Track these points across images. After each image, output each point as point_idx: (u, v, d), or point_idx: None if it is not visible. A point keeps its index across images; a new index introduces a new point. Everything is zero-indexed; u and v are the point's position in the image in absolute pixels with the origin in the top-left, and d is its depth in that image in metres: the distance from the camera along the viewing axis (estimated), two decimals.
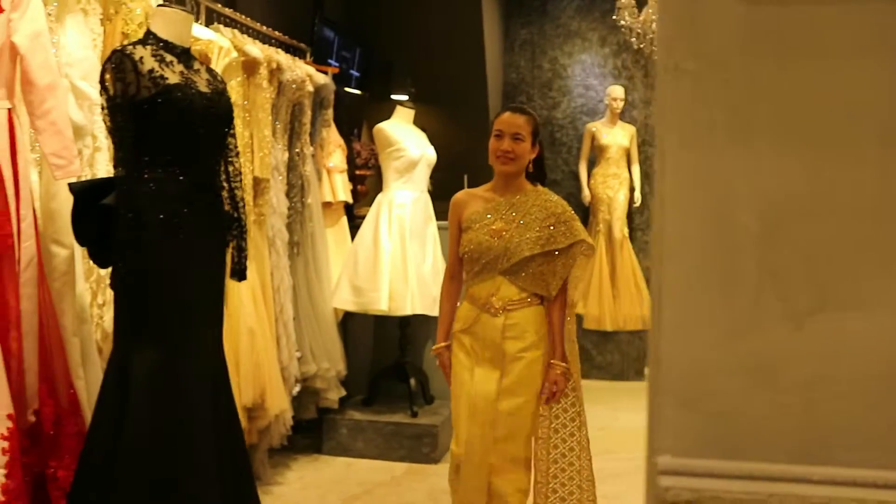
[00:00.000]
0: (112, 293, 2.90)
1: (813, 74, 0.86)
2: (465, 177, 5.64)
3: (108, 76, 2.56)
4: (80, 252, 2.96)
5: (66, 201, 2.87)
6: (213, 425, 2.72)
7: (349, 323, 5.20)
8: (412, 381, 5.00)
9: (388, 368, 5.09)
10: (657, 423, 0.88)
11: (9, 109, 2.74)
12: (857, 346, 0.86)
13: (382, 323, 5.13)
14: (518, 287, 2.84)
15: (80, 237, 2.67)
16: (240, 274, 2.94)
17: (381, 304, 4.64)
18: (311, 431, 4.91)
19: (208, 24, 4.08)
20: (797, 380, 0.88)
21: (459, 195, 2.99)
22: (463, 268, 2.98)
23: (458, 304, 3.02)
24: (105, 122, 2.64)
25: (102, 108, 2.62)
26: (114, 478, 2.52)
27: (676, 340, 0.88)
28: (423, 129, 5.18)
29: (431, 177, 5.08)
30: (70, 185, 2.70)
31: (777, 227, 0.88)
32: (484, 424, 2.82)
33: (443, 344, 3.03)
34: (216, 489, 2.65)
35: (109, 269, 2.76)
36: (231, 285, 3.66)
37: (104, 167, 3.08)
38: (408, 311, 4.71)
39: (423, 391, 5.14)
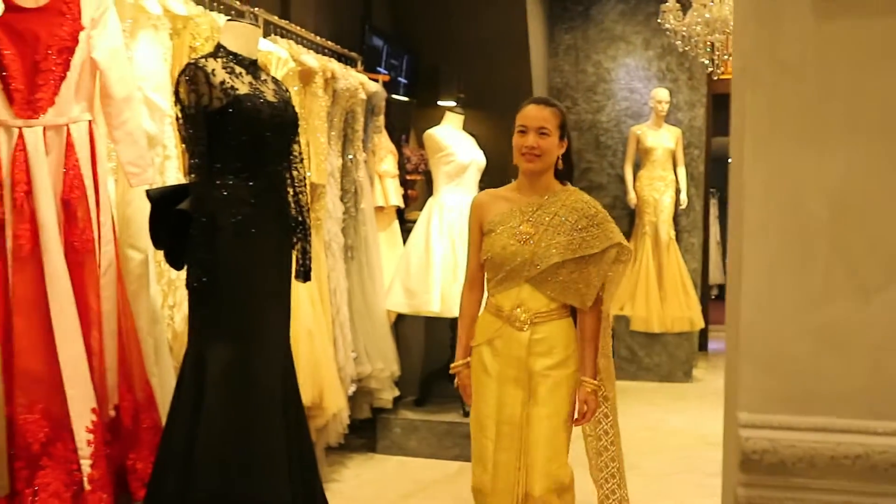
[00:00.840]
0: (182, 295, 3.04)
1: (879, 80, 0.98)
2: (513, 180, 5.72)
3: (182, 88, 2.70)
4: (152, 255, 3.11)
5: (140, 207, 3.02)
6: (284, 424, 2.84)
7: (401, 325, 5.32)
8: None
9: (439, 369, 5.20)
10: (737, 384, 1.01)
11: (90, 122, 2.90)
12: None
13: (434, 325, 5.24)
14: (547, 297, 2.57)
15: (157, 241, 2.82)
16: (304, 275, 3.07)
17: (433, 305, 4.74)
18: (366, 431, 5.03)
19: (265, 35, 4.23)
20: (864, 346, 1.00)
21: (481, 196, 2.74)
22: (484, 275, 2.71)
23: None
24: (179, 132, 2.78)
25: (176, 119, 2.76)
26: (190, 469, 2.65)
27: (756, 312, 1.03)
28: (471, 134, 5.29)
29: (481, 180, 5.18)
30: (147, 191, 2.84)
31: (845, 214, 1.01)
32: (511, 450, 2.56)
33: (461, 362, 2.74)
34: (286, 478, 2.77)
35: (182, 272, 2.89)
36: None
37: (174, 174, 3.23)
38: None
39: None
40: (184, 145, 2.81)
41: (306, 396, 4.06)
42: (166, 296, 3.26)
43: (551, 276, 2.54)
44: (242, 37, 2.83)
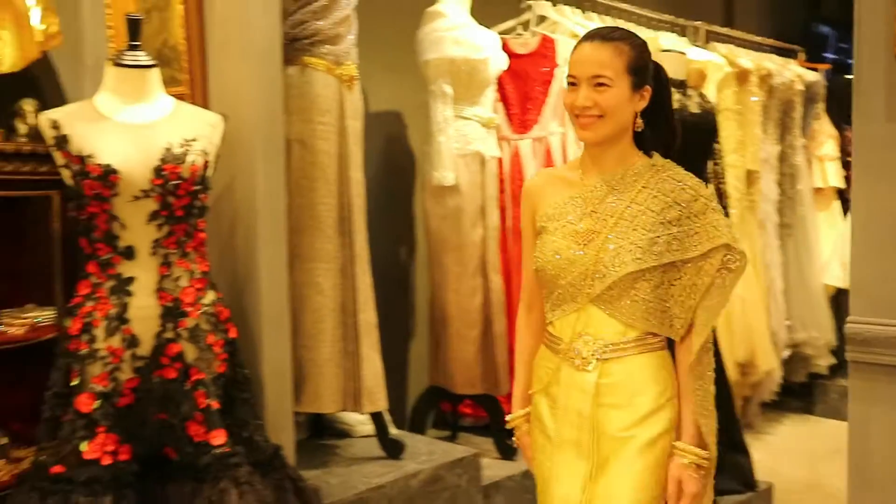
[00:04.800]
0: None
1: None
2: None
3: None
4: None
5: None
6: None
7: (842, 298, 5.64)
8: None
9: None
10: (850, 303, 1.94)
11: (562, 133, 3.98)
12: None
13: None
14: (622, 323, 1.77)
15: None
16: None
17: None
18: (804, 394, 5.49)
19: (706, 43, 4.95)
20: None
21: (534, 179, 1.97)
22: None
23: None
24: None
25: None
26: None
27: (859, 270, 1.92)
28: None
29: None
30: None
31: None
32: None
33: (520, 413, 1.99)
34: None
35: None
36: None
37: None
38: None
39: None
40: None
41: (739, 354, 4.75)
42: None
43: (625, 293, 1.75)
44: (672, 63, 3.60)
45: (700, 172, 3.66)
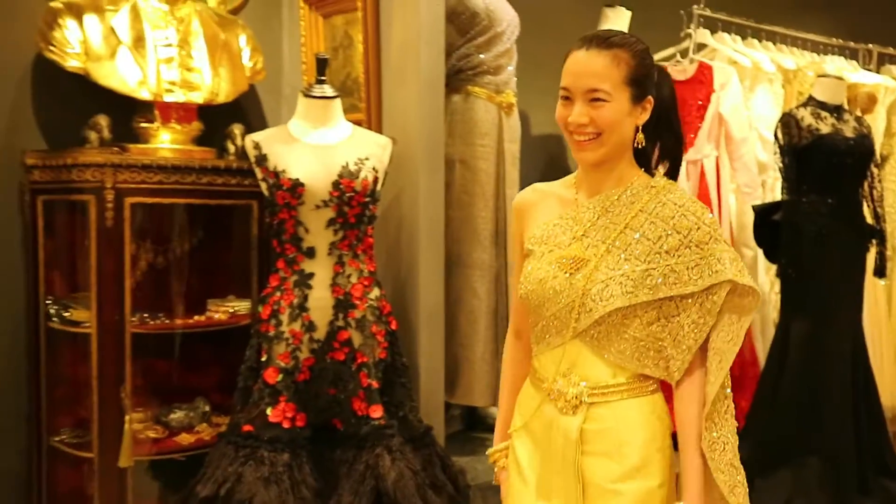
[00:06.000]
0: (779, 282, 4.03)
1: None
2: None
3: (779, 130, 3.70)
4: (760, 252, 4.17)
5: (751, 217, 4.10)
6: (851, 386, 3.63)
7: None
8: None
9: None
10: None
11: (716, 156, 4.11)
12: None
13: None
14: (610, 364, 1.59)
15: (759, 242, 3.87)
16: (880, 272, 3.79)
17: None
18: None
19: (880, 65, 4.89)
20: None
21: (525, 194, 1.77)
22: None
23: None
24: (776, 163, 3.79)
25: (775, 153, 3.78)
26: (775, 408, 3.64)
27: None
28: None
29: None
30: (754, 206, 3.92)
31: None
32: None
33: (500, 447, 1.82)
34: (851, 431, 3.56)
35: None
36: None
37: (779, 191, 4.24)
38: None
39: None
40: (780, 171, 3.80)
41: None
42: (773, 284, 4.28)
43: (615, 330, 1.58)
44: (829, 89, 3.70)
45: (855, 195, 3.71)
